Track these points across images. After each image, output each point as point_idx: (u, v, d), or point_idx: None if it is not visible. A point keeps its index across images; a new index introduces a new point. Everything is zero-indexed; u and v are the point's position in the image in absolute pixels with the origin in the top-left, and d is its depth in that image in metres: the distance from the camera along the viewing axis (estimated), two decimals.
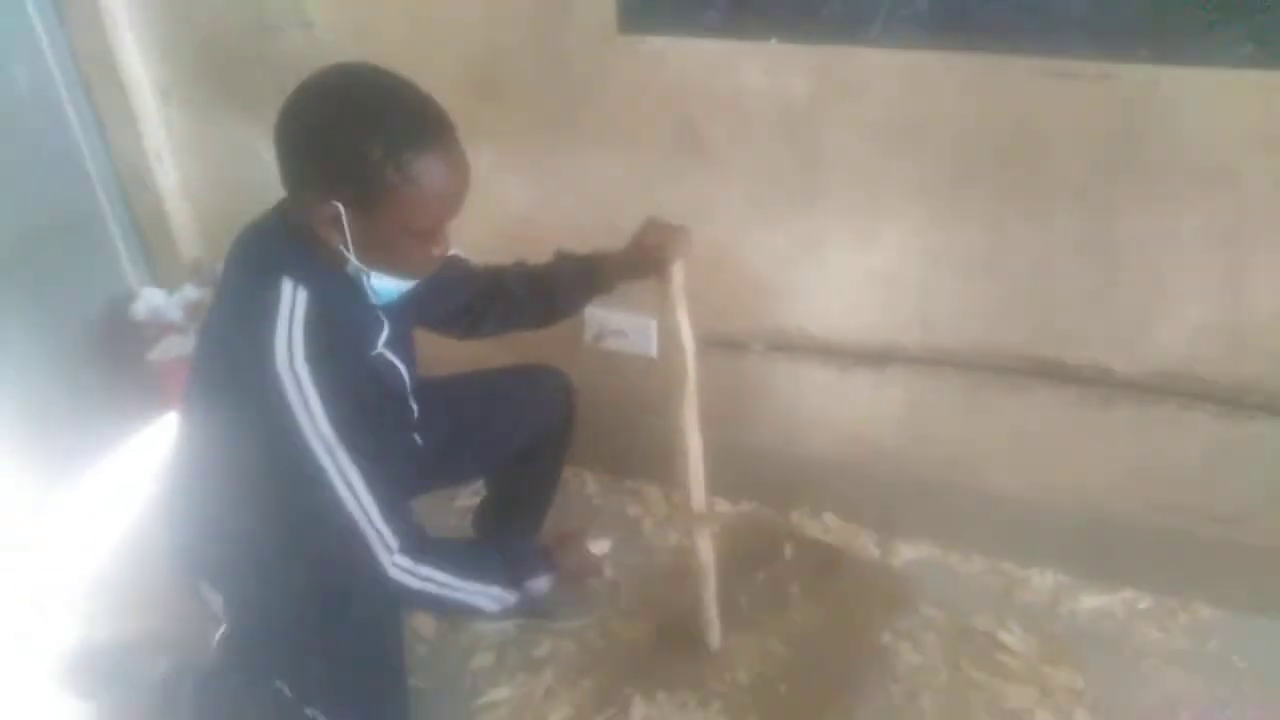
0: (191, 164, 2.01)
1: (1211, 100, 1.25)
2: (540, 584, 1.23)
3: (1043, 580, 1.68)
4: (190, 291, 2.03)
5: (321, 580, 1.17)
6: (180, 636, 1.49)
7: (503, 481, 1.61)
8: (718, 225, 1.57)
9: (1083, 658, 1.51)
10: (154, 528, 1.37)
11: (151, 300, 2.02)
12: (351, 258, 1.02)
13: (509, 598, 1.19)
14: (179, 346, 1.96)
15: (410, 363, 1.24)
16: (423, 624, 1.61)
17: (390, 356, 1.18)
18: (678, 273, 1.30)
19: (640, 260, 1.33)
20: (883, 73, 1.38)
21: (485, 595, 1.17)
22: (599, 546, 1.30)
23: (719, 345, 1.70)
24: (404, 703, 1.32)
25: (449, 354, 1.47)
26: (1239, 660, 1.52)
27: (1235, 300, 1.38)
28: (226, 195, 1.97)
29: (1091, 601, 1.63)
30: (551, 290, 1.40)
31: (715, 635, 1.56)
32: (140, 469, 1.98)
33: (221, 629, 1.30)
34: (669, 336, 1.33)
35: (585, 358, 1.82)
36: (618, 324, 1.81)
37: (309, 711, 1.22)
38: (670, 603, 1.64)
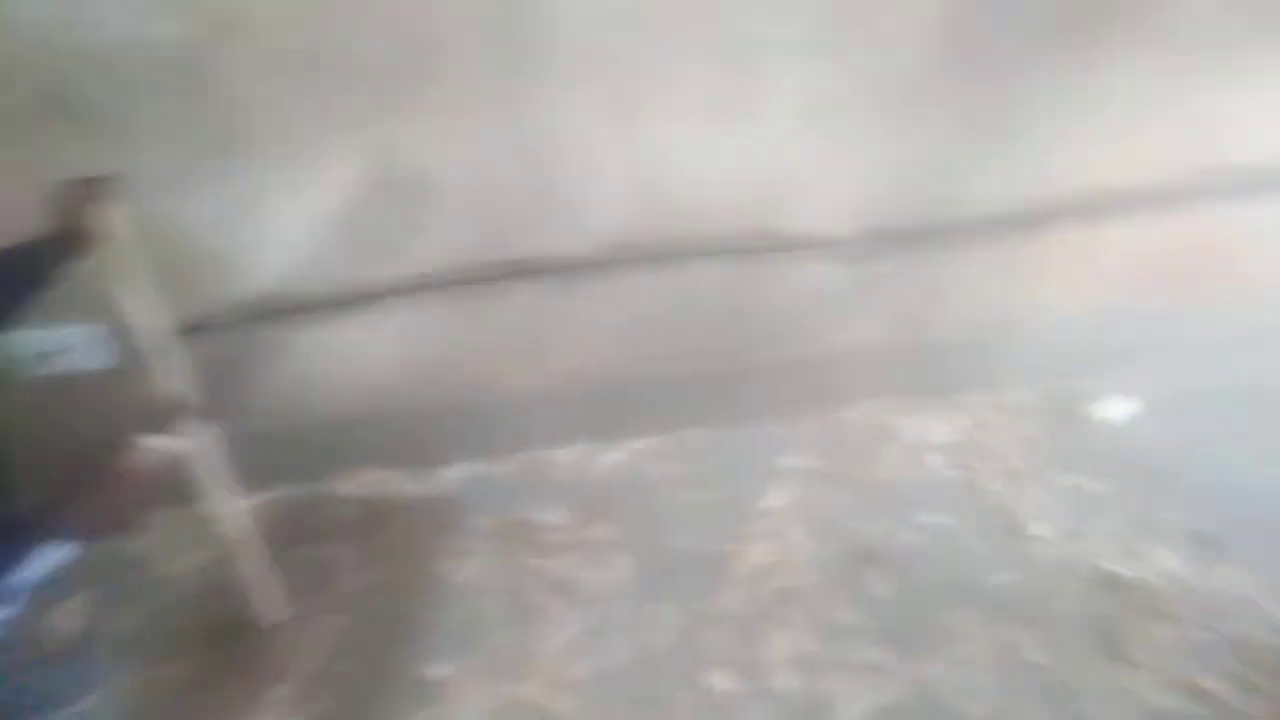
0: None
1: None
2: (50, 557, 0.98)
3: (568, 455, 1.86)
4: None
5: None
6: None
7: None
8: (129, 203, 1.37)
9: (611, 510, 1.71)
10: None
11: None
12: None
13: None
14: None
15: None
16: None
17: None
18: (99, 223, 1.13)
19: (70, 229, 1.12)
20: (265, 3, 1.30)
21: None
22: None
23: (189, 331, 1.52)
24: None
25: None
26: (723, 465, 1.83)
27: (639, 170, 1.59)
28: None
29: (608, 459, 1.85)
30: None
31: (272, 610, 1.47)
32: None
33: None
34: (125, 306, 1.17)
35: (21, 395, 1.50)
36: (59, 341, 1.51)
37: None
38: (210, 622, 1.49)
